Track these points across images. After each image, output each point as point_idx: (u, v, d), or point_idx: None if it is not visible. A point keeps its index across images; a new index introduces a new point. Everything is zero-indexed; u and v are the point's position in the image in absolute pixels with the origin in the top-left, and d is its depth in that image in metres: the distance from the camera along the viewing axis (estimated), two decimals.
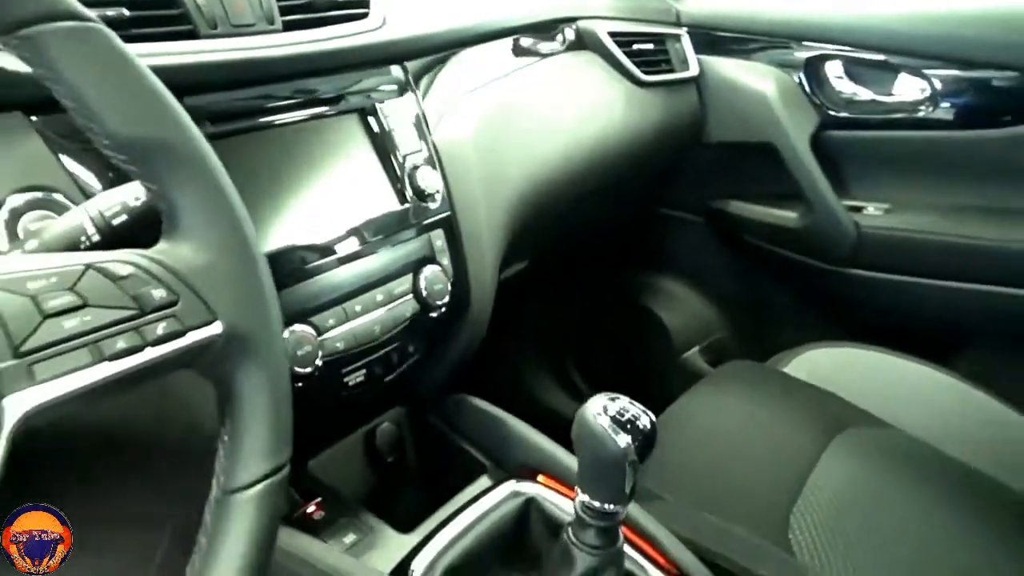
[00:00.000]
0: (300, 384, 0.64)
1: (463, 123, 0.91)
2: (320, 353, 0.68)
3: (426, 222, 0.80)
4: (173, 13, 0.64)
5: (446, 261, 0.82)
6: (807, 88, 1.33)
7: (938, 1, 1.21)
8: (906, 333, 1.26)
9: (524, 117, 1.03)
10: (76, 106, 0.39)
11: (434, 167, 0.82)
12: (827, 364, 1.12)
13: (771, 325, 1.57)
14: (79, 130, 0.56)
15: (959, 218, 1.24)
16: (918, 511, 0.84)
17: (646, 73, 1.27)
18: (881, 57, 1.25)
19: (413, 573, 0.68)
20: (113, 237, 0.47)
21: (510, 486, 0.79)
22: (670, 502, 0.83)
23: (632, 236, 1.69)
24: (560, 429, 0.81)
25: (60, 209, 0.54)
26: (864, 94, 1.31)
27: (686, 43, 1.39)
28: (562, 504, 0.76)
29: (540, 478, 0.79)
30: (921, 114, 1.25)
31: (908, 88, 1.25)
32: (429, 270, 0.79)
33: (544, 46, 1.16)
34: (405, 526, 0.76)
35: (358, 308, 0.72)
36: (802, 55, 1.32)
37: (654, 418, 0.59)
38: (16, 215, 0.53)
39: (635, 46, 1.28)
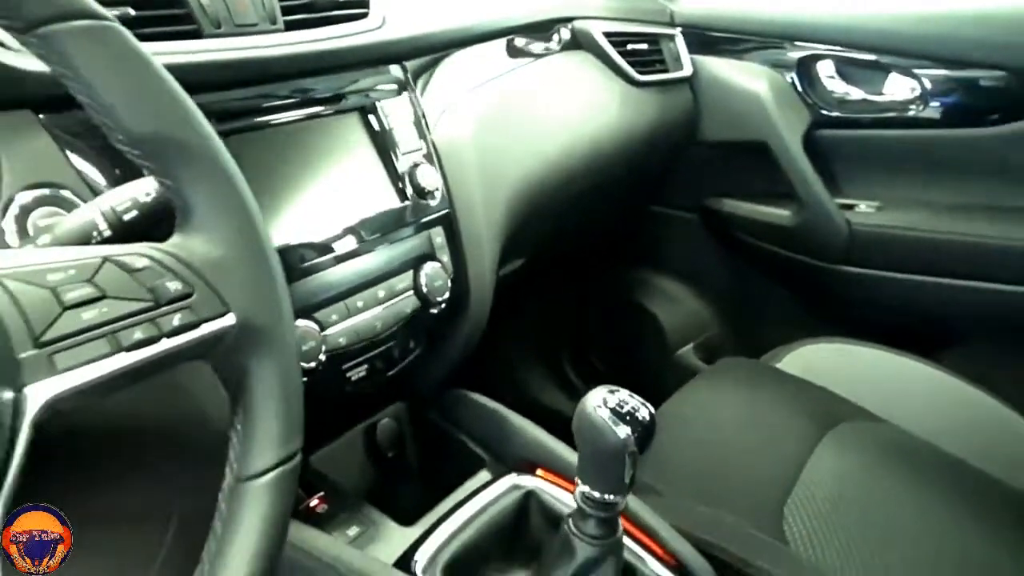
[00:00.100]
0: (304, 379, 0.65)
1: (461, 122, 0.92)
2: (323, 348, 0.69)
3: (426, 219, 0.81)
4: (178, 13, 0.65)
5: (446, 258, 0.83)
6: (799, 87, 1.35)
7: (928, 1, 1.23)
8: (898, 329, 1.27)
9: (521, 116, 1.04)
10: (92, 103, 0.40)
11: (433, 165, 0.83)
12: (820, 360, 1.13)
13: (764, 322, 1.58)
14: (86, 128, 0.57)
15: (949, 215, 1.25)
16: (910, 504, 0.85)
17: (640, 73, 1.29)
18: (872, 57, 1.27)
19: (416, 564, 0.69)
20: (124, 232, 0.48)
21: (510, 480, 0.79)
22: (667, 495, 0.84)
23: (626, 234, 1.70)
24: (556, 425, 0.83)
25: (68, 206, 0.55)
26: (855, 93, 1.32)
27: (680, 43, 1.41)
28: (561, 497, 0.77)
29: (539, 472, 0.80)
30: (911, 113, 1.26)
31: (899, 87, 1.27)
32: (429, 267, 0.80)
33: (540, 46, 1.17)
34: (407, 519, 0.77)
35: (360, 304, 0.73)
36: (794, 55, 1.34)
37: (653, 410, 0.60)
38: (26, 212, 0.53)
39: (629, 46, 1.30)
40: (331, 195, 0.74)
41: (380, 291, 0.75)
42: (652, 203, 1.63)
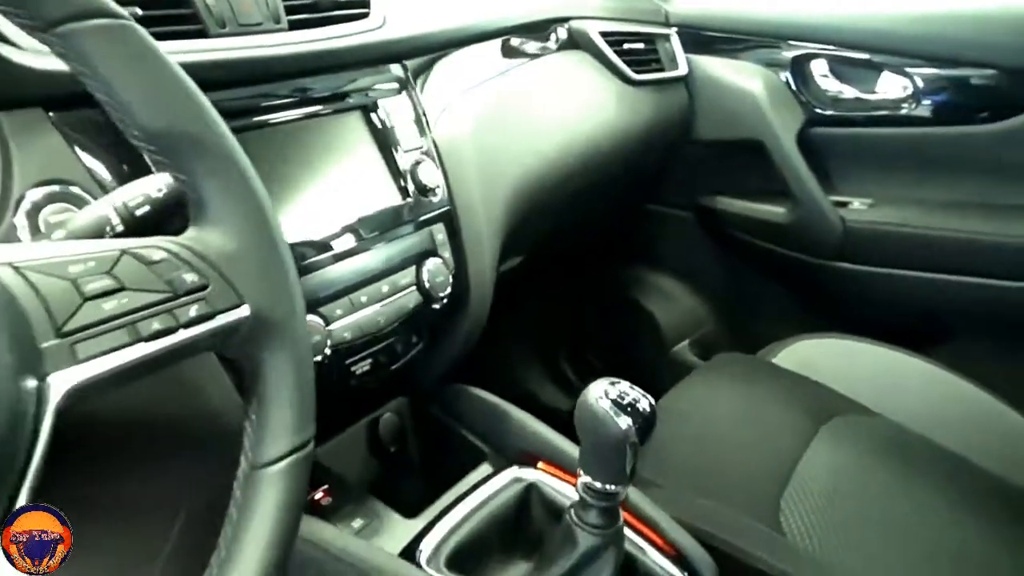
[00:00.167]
0: None
1: (461, 121, 0.93)
2: (329, 342, 0.70)
3: (428, 216, 0.82)
4: (184, 12, 0.66)
5: (447, 254, 0.84)
6: (793, 86, 1.36)
7: (920, 1, 1.24)
8: (891, 324, 1.28)
9: (519, 114, 1.05)
10: (109, 100, 0.41)
11: (434, 163, 0.84)
12: (815, 355, 1.14)
13: (759, 319, 1.59)
14: (95, 126, 0.58)
15: (941, 212, 1.26)
16: (904, 496, 0.86)
17: (636, 72, 1.30)
18: (865, 56, 1.28)
19: (420, 555, 0.70)
20: (136, 227, 0.49)
21: (511, 472, 0.80)
22: (665, 489, 0.85)
23: (623, 232, 1.71)
24: (553, 422, 0.84)
25: (77, 202, 0.56)
26: (848, 92, 1.34)
27: (675, 43, 1.42)
28: (562, 489, 0.78)
29: (540, 465, 0.81)
30: (904, 111, 1.28)
31: (891, 86, 1.28)
32: (431, 263, 0.81)
33: (537, 46, 1.18)
34: (410, 512, 0.78)
35: (364, 299, 0.74)
36: (788, 54, 1.35)
37: (653, 401, 0.61)
38: (37, 208, 0.54)
39: (626, 45, 1.31)
40: (334, 192, 0.75)
41: (384, 286, 0.76)
42: (648, 201, 1.64)
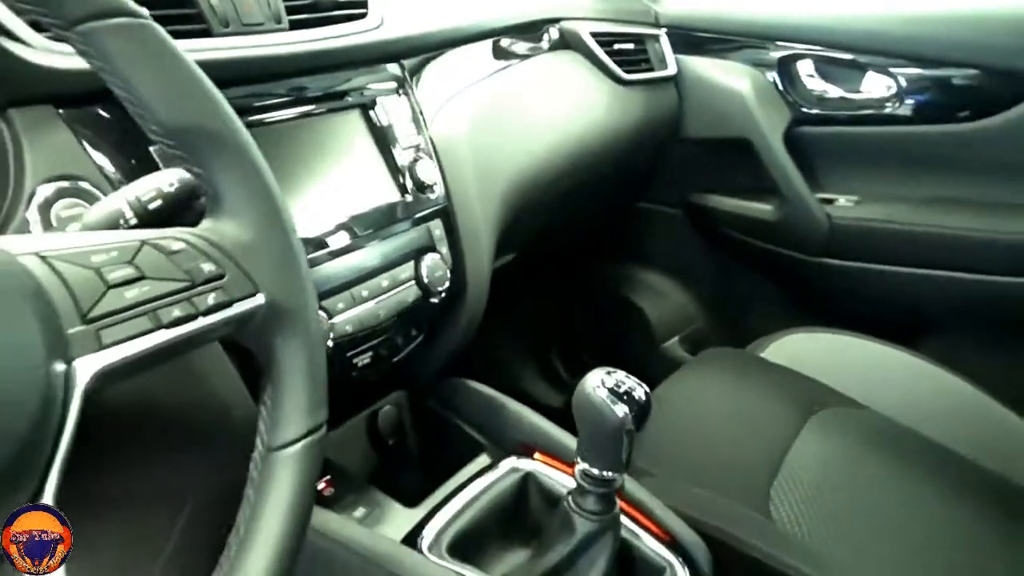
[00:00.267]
0: None
1: (456, 119, 0.94)
2: (331, 335, 0.71)
3: (425, 212, 0.84)
4: (188, 12, 0.67)
5: (445, 249, 0.85)
6: (780, 86, 1.39)
7: (904, 2, 1.27)
8: (878, 318, 1.30)
9: (513, 113, 1.07)
10: (129, 96, 0.42)
11: (432, 160, 0.86)
12: (803, 349, 1.15)
13: (748, 314, 1.61)
14: (104, 123, 0.59)
15: (925, 208, 1.29)
16: (890, 486, 0.88)
17: (627, 72, 1.32)
18: (850, 56, 1.30)
19: (422, 541, 0.71)
20: (149, 220, 0.50)
21: (509, 463, 0.82)
22: (659, 478, 0.87)
23: (613, 230, 1.73)
24: (546, 416, 0.86)
25: (87, 197, 0.57)
26: (834, 91, 1.36)
27: (664, 43, 1.44)
28: (559, 478, 0.79)
29: (537, 455, 0.83)
30: (888, 110, 1.30)
31: (875, 86, 1.31)
32: (430, 258, 0.83)
33: (529, 46, 1.20)
34: (410, 502, 0.80)
35: (365, 293, 0.76)
36: (775, 55, 1.37)
37: (648, 390, 0.63)
38: (48, 203, 0.56)
39: (616, 46, 1.33)
40: (335, 189, 0.76)
41: (383, 281, 0.78)
42: (638, 199, 1.66)
